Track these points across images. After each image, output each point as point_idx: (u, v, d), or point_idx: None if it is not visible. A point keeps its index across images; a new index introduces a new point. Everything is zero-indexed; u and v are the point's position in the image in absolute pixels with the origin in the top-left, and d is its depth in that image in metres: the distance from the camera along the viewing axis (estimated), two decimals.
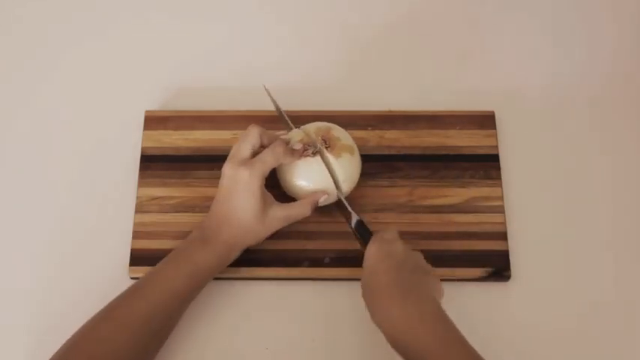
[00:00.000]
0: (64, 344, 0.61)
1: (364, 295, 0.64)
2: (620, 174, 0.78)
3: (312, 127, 0.72)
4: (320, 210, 0.72)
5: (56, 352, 0.61)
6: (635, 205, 0.76)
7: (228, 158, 0.68)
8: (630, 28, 0.86)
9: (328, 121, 0.76)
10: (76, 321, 0.62)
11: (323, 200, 0.70)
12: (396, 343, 0.60)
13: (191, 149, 0.77)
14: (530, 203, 0.76)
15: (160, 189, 0.75)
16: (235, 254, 0.69)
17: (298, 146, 0.69)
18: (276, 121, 0.77)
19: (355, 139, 0.76)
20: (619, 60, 0.84)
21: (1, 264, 0.74)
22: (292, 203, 0.70)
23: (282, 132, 0.72)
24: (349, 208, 0.69)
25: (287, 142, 0.70)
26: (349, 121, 0.78)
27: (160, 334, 0.65)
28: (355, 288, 0.71)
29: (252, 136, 0.68)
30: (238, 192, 0.66)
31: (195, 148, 0.77)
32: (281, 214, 0.69)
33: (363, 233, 0.68)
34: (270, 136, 0.69)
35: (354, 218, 0.69)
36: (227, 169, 0.67)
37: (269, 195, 0.68)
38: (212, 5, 0.88)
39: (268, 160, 0.67)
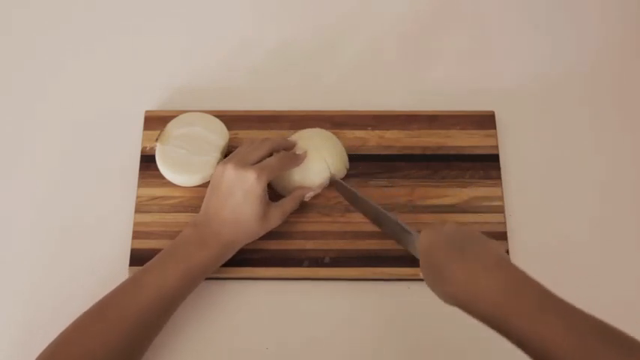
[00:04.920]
0: (56, 339, 0.61)
1: (429, 284, 0.61)
2: (620, 173, 0.78)
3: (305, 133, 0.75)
4: (320, 210, 0.73)
5: (47, 347, 0.61)
6: (634, 204, 0.76)
7: (232, 160, 0.68)
8: (629, 28, 0.86)
9: (329, 120, 0.77)
10: None
11: (308, 196, 0.72)
12: (470, 310, 0.57)
13: None
14: (530, 203, 0.76)
15: (160, 189, 0.75)
16: (231, 254, 0.69)
17: (300, 151, 0.72)
18: (271, 121, 0.77)
19: (355, 139, 0.77)
20: (619, 60, 0.84)
21: (0, 263, 0.74)
22: (284, 200, 0.71)
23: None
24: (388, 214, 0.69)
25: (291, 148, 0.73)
26: (349, 121, 0.78)
27: (151, 332, 0.65)
28: (355, 288, 0.72)
29: (264, 149, 0.70)
30: (243, 194, 0.66)
31: None
32: (278, 214, 0.69)
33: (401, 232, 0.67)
34: (279, 145, 0.72)
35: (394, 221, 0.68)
36: (230, 170, 0.67)
37: (267, 196, 0.69)
38: (212, 5, 0.88)
39: (276, 166, 0.69)
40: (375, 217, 0.71)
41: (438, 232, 0.62)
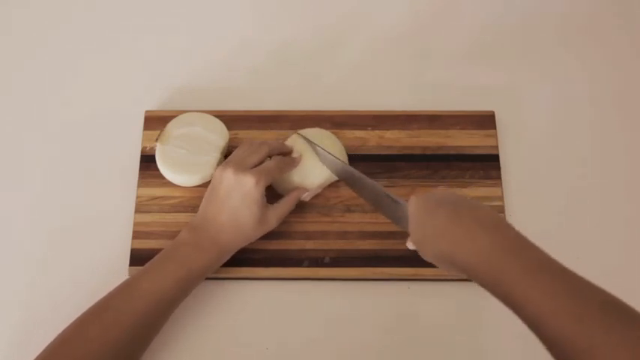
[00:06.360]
0: (52, 343, 0.61)
1: (419, 246, 0.61)
2: (620, 173, 0.78)
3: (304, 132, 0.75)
4: (320, 210, 0.73)
5: (43, 351, 0.60)
6: (635, 203, 0.76)
7: (230, 164, 0.68)
8: (630, 29, 0.86)
9: (329, 120, 0.77)
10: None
11: (305, 196, 0.72)
12: (465, 269, 0.56)
13: None
14: (530, 203, 0.76)
15: (160, 189, 0.75)
16: (228, 257, 0.69)
17: (296, 155, 0.72)
18: (271, 121, 0.77)
19: (355, 139, 0.77)
20: (620, 61, 0.84)
21: (0, 263, 0.74)
22: (282, 202, 0.71)
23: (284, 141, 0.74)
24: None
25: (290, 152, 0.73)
26: (349, 121, 0.78)
27: (146, 336, 0.65)
28: (355, 288, 0.72)
29: (262, 153, 0.69)
30: (242, 199, 0.66)
31: None
32: (275, 217, 0.69)
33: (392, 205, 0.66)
34: (275, 149, 0.71)
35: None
36: (229, 174, 0.67)
37: (265, 199, 0.69)
38: (212, 5, 0.88)
39: (274, 171, 0.69)
40: (360, 188, 0.70)
41: (429, 195, 0.62)
